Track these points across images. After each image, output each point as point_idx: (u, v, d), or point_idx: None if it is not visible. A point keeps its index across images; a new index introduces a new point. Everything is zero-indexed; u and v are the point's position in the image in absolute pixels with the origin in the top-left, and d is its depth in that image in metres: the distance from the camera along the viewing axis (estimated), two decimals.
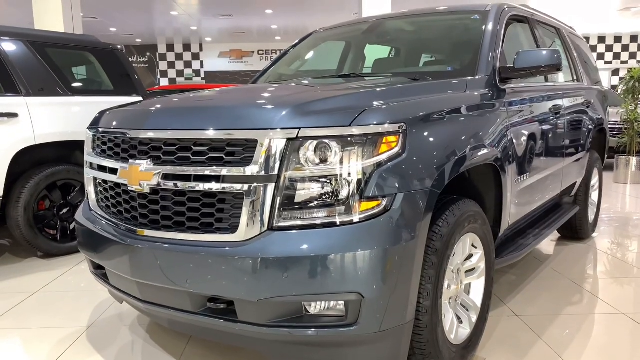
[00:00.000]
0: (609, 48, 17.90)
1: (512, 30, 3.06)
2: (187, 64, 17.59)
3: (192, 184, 1.79)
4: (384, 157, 1.70)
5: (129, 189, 1.97)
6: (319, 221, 1.68)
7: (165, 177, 1.85)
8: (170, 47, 17.47)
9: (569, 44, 3.96)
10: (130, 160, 1.97)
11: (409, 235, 1.72)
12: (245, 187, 1.70)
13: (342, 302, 1.70)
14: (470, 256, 2.23)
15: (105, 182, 2.19)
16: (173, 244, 1.84)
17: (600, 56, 17.82)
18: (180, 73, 17.59)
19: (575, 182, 3.80)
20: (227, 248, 1.72)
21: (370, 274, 1.65)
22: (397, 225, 1.69)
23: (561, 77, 3.90)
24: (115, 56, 4.51)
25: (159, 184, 1.86)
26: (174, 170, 1.83)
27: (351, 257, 1.64)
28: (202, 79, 17.27)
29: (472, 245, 2.22)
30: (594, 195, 4.38)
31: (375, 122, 1.71)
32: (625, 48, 18.07)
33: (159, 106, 2.04)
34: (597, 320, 2.65)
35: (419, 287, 1.83)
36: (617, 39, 17.99)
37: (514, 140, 2.47)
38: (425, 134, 1.85)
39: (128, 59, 4.63)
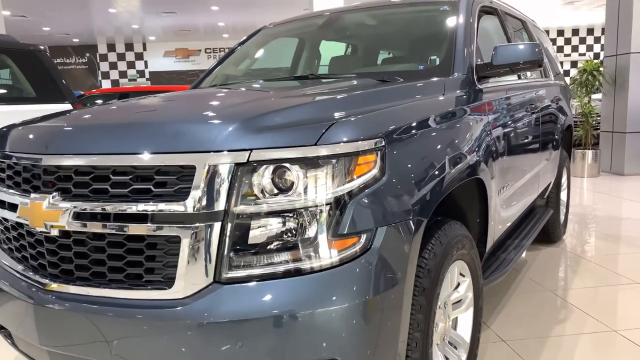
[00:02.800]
0: (552, 42, 18.40)
1: (481, 23, 2.79)
2: (131, 64, 16.66)
3: (112, 225, 1.37)
4: (359, 182, 1.35)
5: (33, 231, 1.53)
6: (280, 268, 1.30)
7: (77, 216, 1.42)
8: (111, 47, 16.48)
9: (534, 38, 3.75)
10: (32, 195, 1.52)
11: (396, 278, 1.38)
12: (182, 227, 1.30)
13: None
14: (457, 285, 1.92)
15: (5, 219, 1.73)
16: (91, 303, 1.41)
17: (560, 49, 18.28)
18: (123, 74, 16.64)
19: (550, 183, 3.60)
20: (161, 308, 1.32)
21: (350, 334, 1.30)
22: (379, 268, 1.34)
23: (529, 73, 3.69)
24: (36, 58, 3.94)
25: (69, 226, 1.43)
26: (88, 208, 1.41)
27: (324, 314, 1.28)
28: (147, 79, 16.40)
29: (460, 274, 1.91)
30: (563, 195, 4.21)
31: (346, 139, 1.35)
32: (567, 41, 18.64)
33: (67, 123, 1.61)
34: (589, 342, 2.41)
35: (407, 338, 1.49)
36: (560, 33, 18.53)
37: (496, 147, 2.18)
38: (407, 149, 1.51)
39: (52, 61, 4.07)
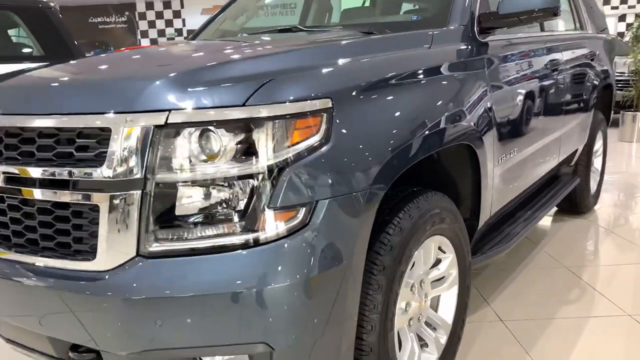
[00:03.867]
0: None
1: None
2: (169, 23, 16.63)
3: (38, 191, 1.29)
4: (297, 149, 1.18)
5: None
6: (205, 244, 1.17)
7: (9, 180, 1.34)
8: (149, 5, 16.46)
9: None
10: None
11: (339, 257, 1.23)
12: (100, 195, 1.19)
13: (246, 356, 1.23)
14: (438, 262, 1.75)
15: None
16: (23, 271, 1.35)
17: (606, 1, 16.79)
18: (161, 32, 16.66)
19: (576, 150, 3.27)
20: (86, 280, 1.23)
21: (282, 318, 1.17)
22: (319, 246, 1.19)
23: (561, 25, 3.31)
24: (45, 16, 3.89)
25: (1, 190, 1.36)
26: (17, 171, 1.32)
27: (253, 295, 1.15)
28: (185, 38, 16.36)
29: (440, 249, 1.73)
30: (596, 162, 3.85)
31: (284, 99, 1.18)
32: None
33: (3, 82, 1.51)
34: (597, 326, 2.19)
35: (359, 321, 1.35)
36: None
37: (497, 110, 1.93)
38: (364, 111, 1.32)
39: (61, 19, 4.01)
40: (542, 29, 2.66)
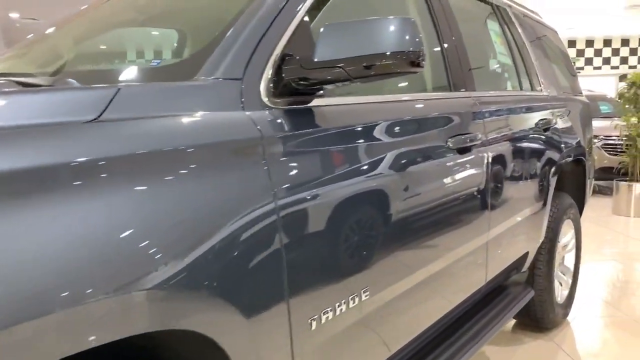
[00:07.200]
0: (616, 52, 16.35)
1: None
2: None
3: None
4: None
5: None
6: None
7: None
8: None
9: (516, 32, 2.53)
10: None
11: None
12: None
13: None
14: None
15: None
16: None
17: (606, 60, 16.30)
18: None
19: (526, 253, 2.35)
20: None
21: None
22: None
23: (508, 84, 2.49)
24: None
25: None
26: None
27: None
28: None
29: None
30: (567, 260, 2.91)
31: None
32: (633, 52, 16.51)
33: None
34: None
35: None
36: (625, 42, 16.45)
37: (295, 241, 1.04)
38: None
39: None
40: (452, 88, 1.81)
